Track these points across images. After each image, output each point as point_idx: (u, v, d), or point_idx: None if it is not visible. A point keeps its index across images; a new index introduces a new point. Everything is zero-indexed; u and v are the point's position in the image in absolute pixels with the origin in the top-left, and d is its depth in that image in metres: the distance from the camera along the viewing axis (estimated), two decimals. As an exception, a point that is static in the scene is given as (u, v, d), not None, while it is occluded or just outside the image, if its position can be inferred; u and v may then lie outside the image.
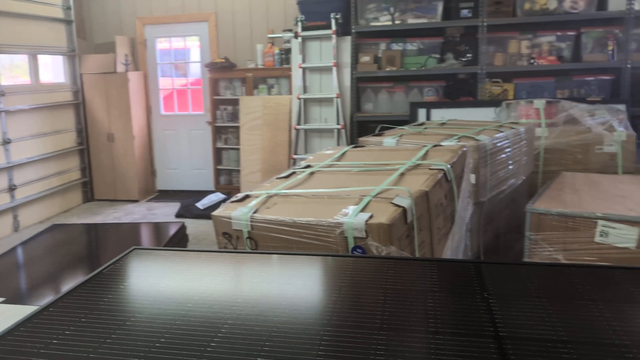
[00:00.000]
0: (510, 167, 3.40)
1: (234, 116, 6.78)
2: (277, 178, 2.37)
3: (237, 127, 6.64)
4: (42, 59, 6.27)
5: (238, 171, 6.69)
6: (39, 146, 6.03)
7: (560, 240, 2.68)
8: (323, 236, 1.80)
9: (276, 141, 6.40)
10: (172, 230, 4.53)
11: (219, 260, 1.49)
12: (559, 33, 5.50)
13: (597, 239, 2.56)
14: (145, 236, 4.74)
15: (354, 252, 1.76)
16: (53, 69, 6.51)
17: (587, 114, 4.04)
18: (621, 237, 2.50)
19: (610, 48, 5.17)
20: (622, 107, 4.64)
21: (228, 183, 6.95)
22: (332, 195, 2.02)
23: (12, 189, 5.63)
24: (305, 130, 6.13)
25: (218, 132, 6.91)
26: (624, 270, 1.31)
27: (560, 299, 1.10)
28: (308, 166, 2.48)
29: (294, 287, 1.25)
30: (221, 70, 6.69)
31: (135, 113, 6.71)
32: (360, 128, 6.00)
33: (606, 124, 3.92)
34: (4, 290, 3.02)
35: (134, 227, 5.02)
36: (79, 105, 6.66)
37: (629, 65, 5.07)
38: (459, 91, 5.95)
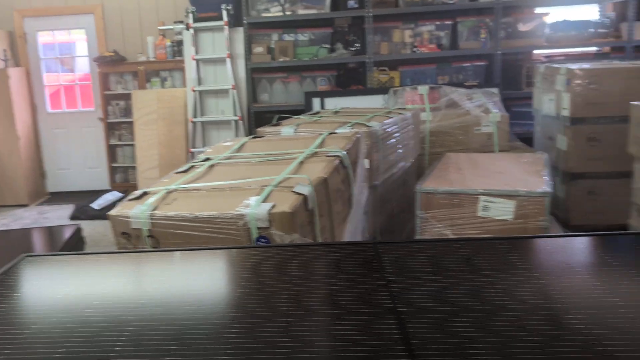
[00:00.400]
0: (400, 150, 3.53)
1: (127, 111, 6.47)
2: (176, 173, 2.30)
3: (131, 123, 6.34)
4: None
5: (134, 168, 6.42)
6: None
7: (448, 216, 2.83)
8: (226, 229, 1.77)
9: (173, 135, 6.20)
10: (67, 233, 4.25)
11: (118, 261, 1.42)
12: (437, 22, 5.76)
13: (480, 213, 2.74)
14: (37, 242, 4.42)
15: (258, 242, 1.75)
16: None
17: (465, 97, 4.28)
18: (500, 210, 2.69)
19: (483, 36, 5.50)
20: (495, 90, 4.96)
21: (124, 181, 6.64)
22: (233, 187, 1.99)
23: None
24: (202, 123, 6.00)
25: (111, 128, 6.57)
26: (505, 241, 1.41)
27: (452, 271, 1.17)
28: (207, 159, 2.43)
29: (199, 282, 1.23)
30: (111, 64, 6.35)
31: (18, 112, 6.20)
32: (258, 119, 5.96)
33: (482, 107, 4.18)
34: None
35: (24, 234, 4.66)
36: (-48, 106, 6.06)
37: (499, 52, 5.42)
38: (350, 80, 6.07)
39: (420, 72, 5.83)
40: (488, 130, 4.08)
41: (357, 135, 2.57)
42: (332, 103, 5.64)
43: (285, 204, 1.76)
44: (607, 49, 5.62)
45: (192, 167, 2.33)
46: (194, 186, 2.04)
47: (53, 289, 1.21)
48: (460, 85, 5.20)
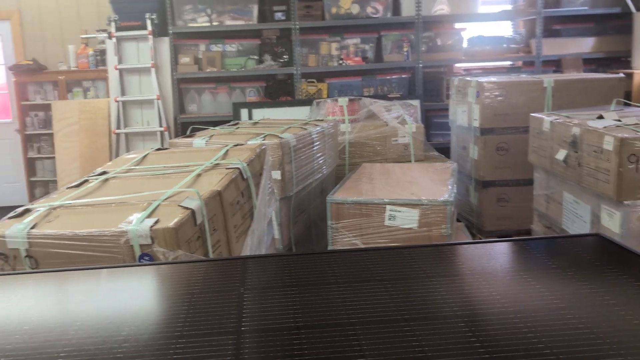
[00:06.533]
0: (316, 161, 3.54)
1: (47, 123, 6.22)
2: (67, 188, 2.20)
3: (51, 135, 6.10)
4: None
5: (56, 182, 6.16)
6: None
7: (357, 226, 2.85)
8: (108, 247, 1.70)
9: (96, 147, 6.01)
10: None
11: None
12: (363, 35, 5.85)
13: (387, 222, 2.77)
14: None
15: (142, 260, 1.69)
16: None
17: (384, 109, 4.35)
18: (405, 219, 2.73)
19: (405, 49, 5.62)
20: (416, 102, 5.07)
21: (45, 195, 6.36)
22: (121, 202, 1.92)
23: None
24: (127, 134, 5.84)
25: (29, 140, 6.29)
26: (372, 252, 1.41)
27: (309, 285, 1.16)
28: (103, 172, 2.34)
29: (60, 306, 1.17)
30: (29, 73, 6.10)
31: None
32: (185, 129, 5.83)
33: (400, 118, 4.26)
34: None
35: None
36: None
37: (421, 65, 5.56)
38: (279, 91, 6.08)
39: (347, 84, 5.89)
40: (405, 141, 4.16)
41: (262, 147, 2.55)
42: (260, 114, 5.61)
43: (170, 219, 1.71)
44: (519, 63, 5.87)
45: (85, 181, 2.25)
46: (79, 202, 1.96)
47: None
48: (384, 97, 5.29)
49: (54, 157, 6.10)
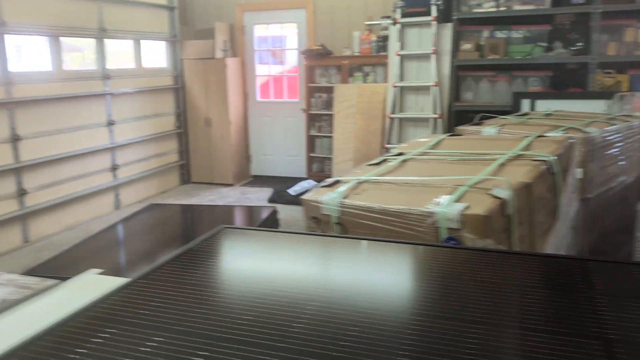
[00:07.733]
0: (622, 162, 3.16)
1: (328, 104, 6.80)
2: (368, 165, 2.33)
3: (331, 115, 6.65)
4: (146, 44, 6.57)
5: (330, 159, 6.72)
6: (140, 128, 6.33)
7: (678, 244, 2.45)
8: (413, 225, 1.75)
9: (369, 130, 6.36)
10: (264, 214, 4.63)
11: (307, 242, 1.48)
12: (685, 19, 5.03)
13: None
14: (238, 218, 4.89)
15: (447, 243, 1.70)
16: (154, 54, 6.80)
17: None
18: None
19: None
20: None
21: (320, 171, 7.00)
22: (425, 183, 1.96)
23: (114, 168, 5.97)
24: (400, 119, 6.04)
25: (312, 119, 6.96)
26: None
27: (681, 304, 0.99)
28: (400, 153, 2.43)
29: (383, 274, 1.22)
30: (317, 57, 6.72)
31: (232, 99, 6.91)
32: (458, 118, 5.81)
33: None
34: (102, 264, 3.22)
35: (228, 209, 5.19)
36: (179, 90, 6.94)
37: None
38: (567, 82, 5.62)
39: (655, 76, 5.16)
40: None
41: (571, 141, 2.35)
42: (543, 105, 5.27)
43: (480, 206, 1.67)
44: None
45: (384, 160, 2.35)
46: (384, 179, 2.05)
47: (244, 260, 1.30)
48: None
49: (331, 136, 6.65)
